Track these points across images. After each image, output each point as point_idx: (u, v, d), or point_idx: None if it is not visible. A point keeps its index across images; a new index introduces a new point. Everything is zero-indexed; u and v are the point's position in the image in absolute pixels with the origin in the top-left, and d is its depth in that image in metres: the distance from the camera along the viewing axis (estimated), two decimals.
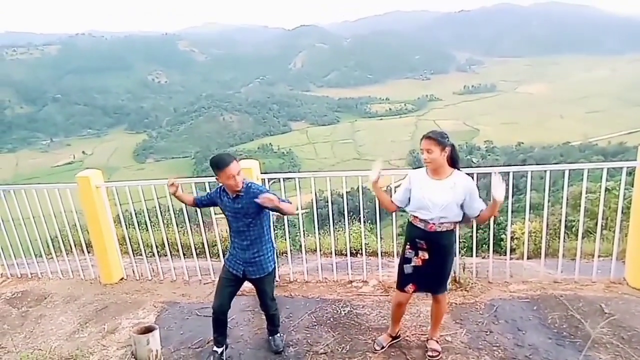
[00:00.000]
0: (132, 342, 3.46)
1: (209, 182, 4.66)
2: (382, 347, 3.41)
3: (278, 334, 3.58)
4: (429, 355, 3.28)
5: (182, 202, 3.76)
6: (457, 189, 2.98)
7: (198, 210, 4.81)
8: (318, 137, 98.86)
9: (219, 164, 3.02)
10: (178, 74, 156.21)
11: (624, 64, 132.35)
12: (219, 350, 3.41)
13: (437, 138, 2.95)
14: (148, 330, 3.44)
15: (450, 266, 3.20)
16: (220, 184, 3.22)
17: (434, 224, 3.01)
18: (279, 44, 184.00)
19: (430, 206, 3.00)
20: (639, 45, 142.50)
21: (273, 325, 3.56)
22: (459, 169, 3.07)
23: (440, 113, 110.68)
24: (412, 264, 3.14)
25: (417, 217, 3.09)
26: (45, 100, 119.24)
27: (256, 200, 2.95)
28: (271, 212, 3.27)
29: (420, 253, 3.10)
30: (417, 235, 3.10)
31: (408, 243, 3.17)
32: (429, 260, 3.08)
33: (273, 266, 3.35)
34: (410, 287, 3.18)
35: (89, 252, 5.17)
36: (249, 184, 3.16)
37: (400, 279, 3.23)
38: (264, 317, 3.58)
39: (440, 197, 2.98)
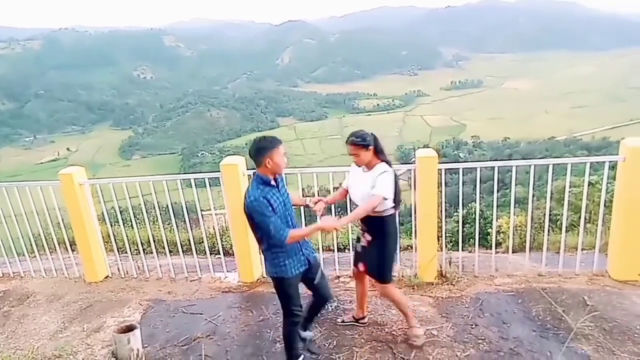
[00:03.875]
0: (112, 342, 3.42)
1: (194, 179, 4.63)
2: (343, 322, 3.71)
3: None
4: (409, 343, 3.37)
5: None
6: (372, 179, 3.12)
7: (184, 206, 4.78)
8: (306, 133, 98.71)
9: (274, 142, 2.84)
10: (164, 69, 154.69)
11: (608, 60, 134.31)
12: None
13: (359, 143, 3.09)
14: (129, 329, 3.40)
15: (387, 255, 3.26)
16: (252, 185, 2.85)
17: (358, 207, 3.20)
18: (266, 39, 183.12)
19: (353, 195, 3.29)
20: (623, 41, 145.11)
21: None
22: (383, 160, 3.16)
23: (428, 108, 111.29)
24: (361, 243, 3.36)
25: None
26: (28, 96, 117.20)
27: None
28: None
29: (366, 234, 3.29)
30: None
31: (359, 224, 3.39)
32: (372, 241, 3.27)
33: None
34: (362, 265, 3.38)
35: (73, 250, 5.10)
36: None
37: (354, 257, 3.50)
38: (251, 314, 3.53)
39: (359, 191, 3.20)
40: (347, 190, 3.43)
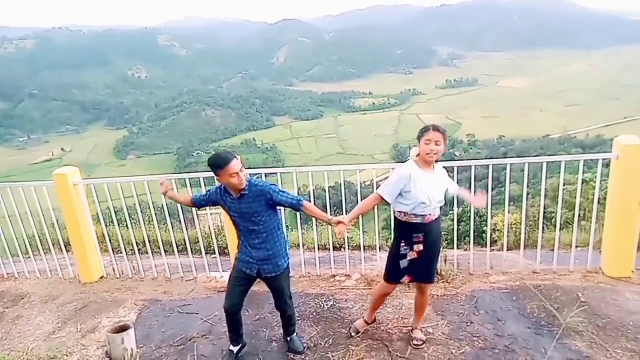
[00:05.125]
0: (106, 342, 3.41)
1: (189, 179, 4.61)
2: (358, 333, 3.51)
3: (295, 334, 3.45)
4: (413, 344, 3.33)
5: (177, 202, 3.60)
6: (445, 178, 3.12)
7: (179, 206, 4.76)
8: (302, 132, 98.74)
9: (219, 163, 2.83)
10: (159, 68, 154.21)
11: (601, 58, 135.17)
12: (235, 348, 3.32)
13: (444, 132, 2.96)
14: (123, 329, 3.39)
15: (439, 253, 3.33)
16: (221, 184, 3.05)
17: (430, 214, 3.02)
18: (261, 38, 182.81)
19: (428, 200, 2.97)
20: (616, 40, 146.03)
21: (290, 324, 3.39)
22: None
23: (423, 107, 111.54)
24: (408, 258, 3.10)
25: (411, 214, 3.01)
26: (21, 96, 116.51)
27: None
28: (282, 208, 3.16)
29: (415, 246, 3.07)
30: (414, 230, 3.05)
31: (403, 240, 3.10)
32: (424, 250, 3.07)
33: (288, 262, 3.19)
34: (406, 277, 3.17)
35: (67, 251, 5.07)
36: (251, 180, 3.00)
37: (394, 273, 3.19)
38: (247, 313, 3.54)
39: (439, 190, 3.03)
40: (381, 198, 3.07)
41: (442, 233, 3.28)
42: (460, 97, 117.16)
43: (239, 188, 2.91)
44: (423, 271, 3.15)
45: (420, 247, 3.06)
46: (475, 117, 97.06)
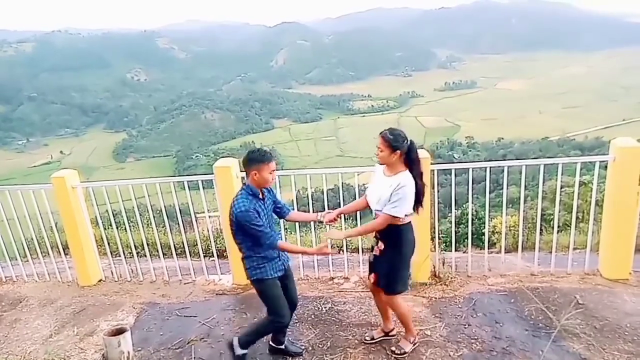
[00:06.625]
0: (103, 345, 3.41)
1: (187, 182, 4.62)
2: (373, 339, 3.46)
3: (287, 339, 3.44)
4: (391, 349, 3.29)
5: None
6: (391, 187, 2.94)
7: (178, 209, 4.77)
8: (301, 135, 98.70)
9: (265, 157, 2.89)
10: (158, 71, 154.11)
11: (599, 60, 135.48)
12: (244, 352, 3.19)
13: (390, 140, 2.91)
14: (120, 332, 3.39)
15: (399, 265, 3.10)
16: (241, 194, 2.90)
17: (376, 214, 3.08)
18: (260, 41, 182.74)
19: (369, 197, 3.14)
20: (614, 42, 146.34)
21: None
22: (412, 171, 2.97)
23: (422, 109, 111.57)
24: (374, 252, 3.23)
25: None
26: (20, 99, 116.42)
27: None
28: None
29: (380, 243, 3.16)
30: None
31: (375, 232, 3.23)
32: (384, 250, 3.12)
33: None
34: (372, 276, 3.25)
35: (66, 254, 5.07)
36: None
37: (368, 267, 3.33)
38: (245, 316, 3.51)
39: (375, 193, 3.06)
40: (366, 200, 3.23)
41: (414, 243, 3.13)
42: (459, 100, 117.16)
43: (268, 187, 3.01)
44: (383, 274, 3.14)
45: (382, 246, 3.13)
46: (474, 119, 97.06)
